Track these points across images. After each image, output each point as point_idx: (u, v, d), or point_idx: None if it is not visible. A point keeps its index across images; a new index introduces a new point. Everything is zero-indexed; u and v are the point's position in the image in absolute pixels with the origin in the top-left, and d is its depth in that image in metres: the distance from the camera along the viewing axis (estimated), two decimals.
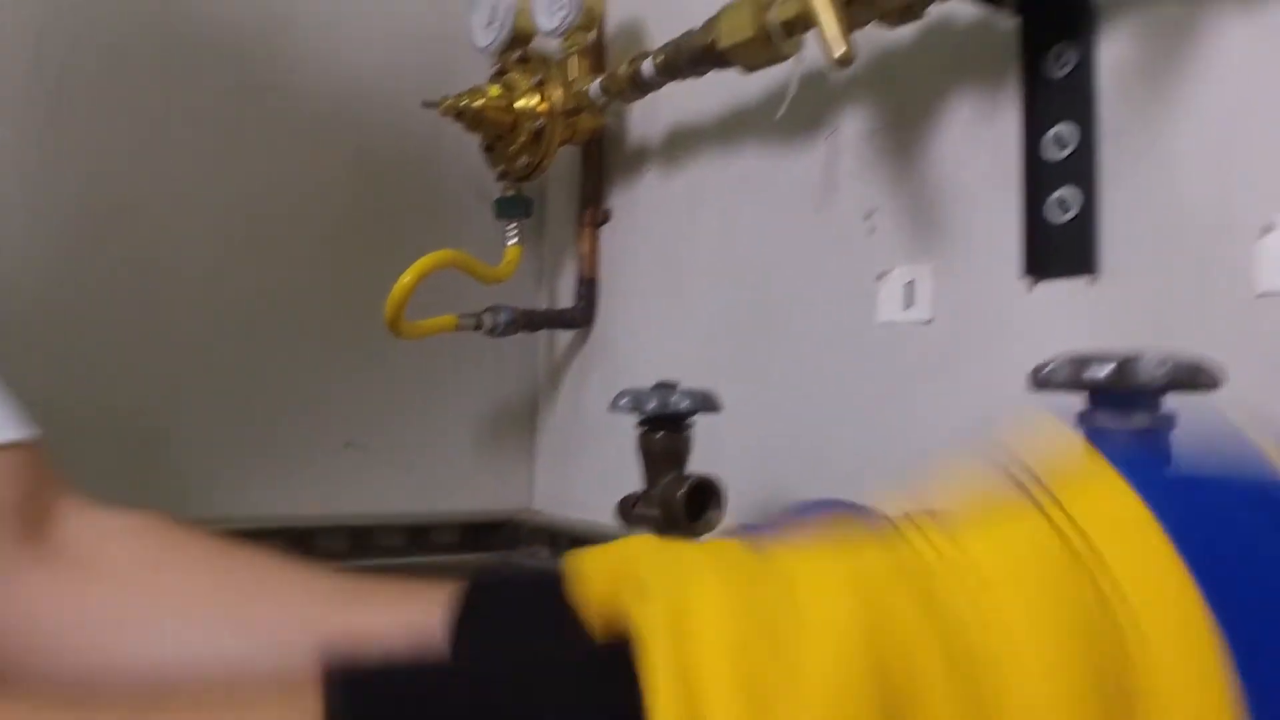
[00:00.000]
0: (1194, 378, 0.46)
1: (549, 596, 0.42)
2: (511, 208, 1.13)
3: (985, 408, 0.77)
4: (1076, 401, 0.49)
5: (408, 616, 0.43)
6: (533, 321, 1.15)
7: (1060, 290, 0.75)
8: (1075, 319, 0.74)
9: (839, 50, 0.67)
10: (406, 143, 1.18)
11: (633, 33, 1.14)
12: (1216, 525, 0.29)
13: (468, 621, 0.43)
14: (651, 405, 0.75)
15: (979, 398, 0.78)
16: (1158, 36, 0.71)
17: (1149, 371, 0.45)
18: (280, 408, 1.11)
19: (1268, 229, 0.64)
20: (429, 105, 1.09)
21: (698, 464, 0.81)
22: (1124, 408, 0.45)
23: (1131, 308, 0.71)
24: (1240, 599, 0.28)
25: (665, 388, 0.77)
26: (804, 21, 0.79)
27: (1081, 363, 0.46)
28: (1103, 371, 0.45)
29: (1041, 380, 0.48)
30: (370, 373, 1.15)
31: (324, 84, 1.13)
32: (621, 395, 0.77)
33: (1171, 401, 0.47)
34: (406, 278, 0.98)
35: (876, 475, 0.85)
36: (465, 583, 0.45)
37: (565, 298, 1.21)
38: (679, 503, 0.74)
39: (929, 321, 0.83)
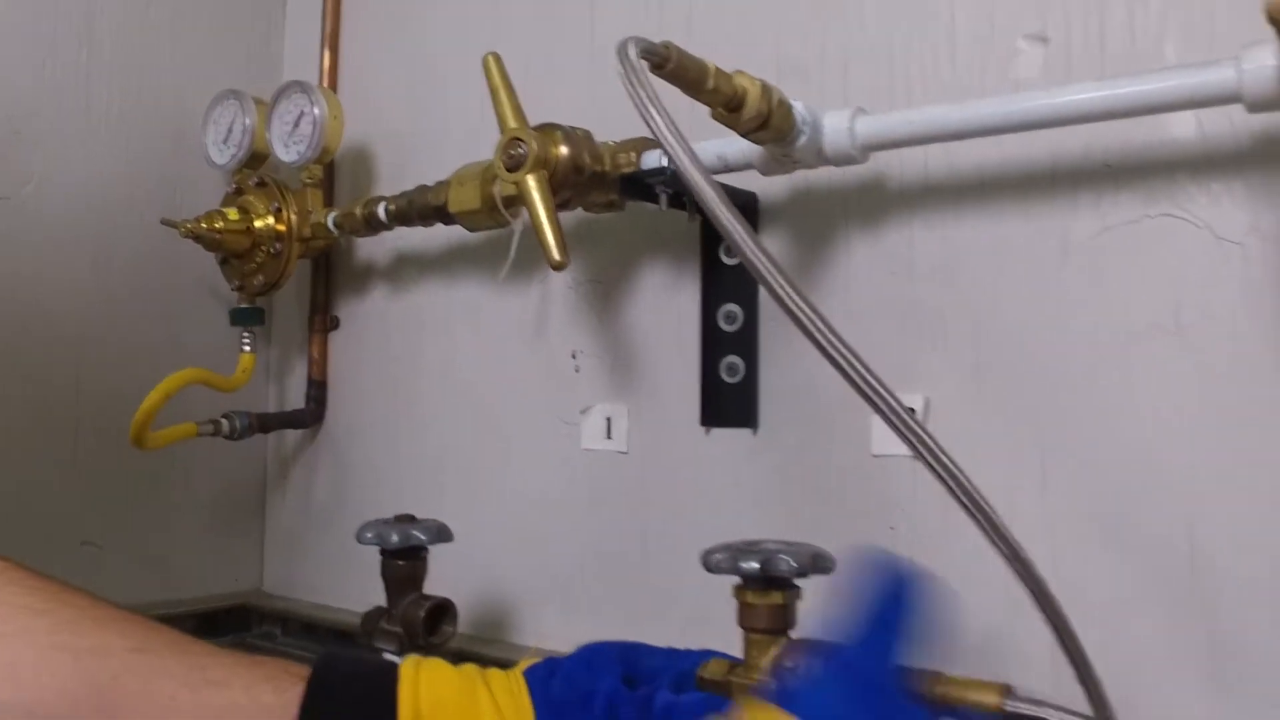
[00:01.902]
0: (817, 564, 0.63)
1: (383, 695, 0.56)
2: (246, 317, 1.22)
3: (667, 527, 0.95)
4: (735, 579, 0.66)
5: (261, 699, 0.55)
6: (267, 424, 1.24)
7: (730, 437, 0.93)
8: (741, 461, 0.92)
9: (554, 259, 0.82)
10: (143, 249, 1.23)
11: (362, 155, 1.25)
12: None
13: (312, 712, 0.56)
14: (394, 539, 0.87)
15: (667, 522, 0.95)
16: (803, 239, 0.90)
17: (785, 564, 0.62)
18: (16, 507, 1.14)
19: None
20: (168, 224, 1.16)
21: (430, 576, 0.93)
22: (766, 589, 0.63)
23: (783, 456, 0.90)
24: None
25: (405, 521, 0.89)
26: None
27: (736, 555, 0.62)
28: (750, 564, 0.62)
29: (709, 564, 0.64)
30: (105, 471, 1.20)
31: (59, 194, 1.18)
32: (365, 529, 0.88)
33: (803, 583, 0.64)
34: (150, 401, 1.06)
35: (588, 585, 1.01)
36: (311, 671, 0.58)
37: (294, 397, 1.30)
38: (419, 622, 0.86)
39: (625, 453, 0.99)
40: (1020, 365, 0.79)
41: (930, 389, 0.82)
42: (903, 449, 0.82)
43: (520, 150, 0.85)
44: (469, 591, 1.03)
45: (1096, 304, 0.76)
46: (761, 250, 0.58)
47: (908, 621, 0.55)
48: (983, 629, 0.79)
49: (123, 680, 0.58)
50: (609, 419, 1.00)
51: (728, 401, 0.92)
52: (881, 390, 0.58)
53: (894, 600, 0.55)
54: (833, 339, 0.58)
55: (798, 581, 0.64)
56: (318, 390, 1.27)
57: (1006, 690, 0.58)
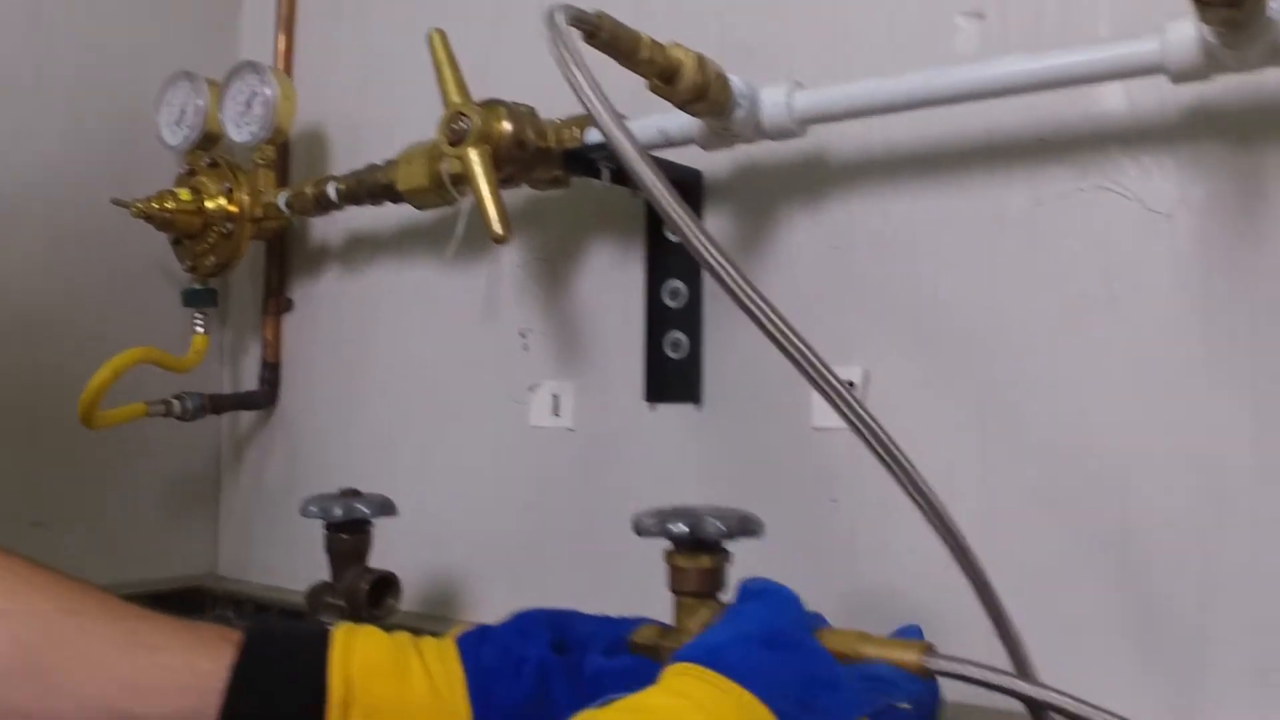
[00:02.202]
0: (745, 527, 0.64)
1: (315, 660, 0.58)
2: (199, 298, 1.21)
3: (612, 503, 0.95)
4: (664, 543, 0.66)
5: (193, 663, 0.57)
6: (219, 405, 1.23)
7: (674, 413, 0.94)
8: (686, 436, 0.93)
9: (496, 232, 0.82)
10: (96, 230, 1.22)
11: (316, 138, 1.25)
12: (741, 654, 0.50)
13: (243, 676, 0.58)
14: (338, 513, 0.87)
15: (611, 497, 0.96)
16: (747, 215, 0.91)
17: (712, 527, 0.62)
18: None
19: None
20: (119, 204, 1.16)
21: (379, 549, 0.93)
22: (695, 552, 0.63)
23: (726, 430, 0.91)
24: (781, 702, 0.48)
25: (349, 495, 0.89)
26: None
27: (664, 518, 0.63)
28: (678, 526, 0.62)
29: (638, 528, 0.64)
30: (56, 452, 1.19)
31: (9, 175, 1.17)
32: (310, 503, 0.88)
33: (732, 545, 0.65)
34: (99, 379, 1.05)
35: (534, 561, 1.01)
36: (244, 636, 0.59)
37: (249, 379, 1.30)
38: (362, 595, 0.87)
39: (572, 430, 1.00)
40: (957, 337, 0.80)
41: (870, 361, 0.83)
42: (842, 422, 0.84)
43: (463, 125, 0.85)
44: (417, 568, 1.03)
45: (1031, 276, 0.77)
46: (692, 220, 0.58)
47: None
48: (923, 600, 0.80)
49: (53, 642, 0.59)
50: (556, 396, 1.01)
51: (672, 377, 0.93)
52: (818, 365, 0.58)
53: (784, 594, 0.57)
54: (769, 313, 0.58)
55: (727, 546, 0.65)
56: (271, 372, 1.27)
57: (927, 649, 0.58)
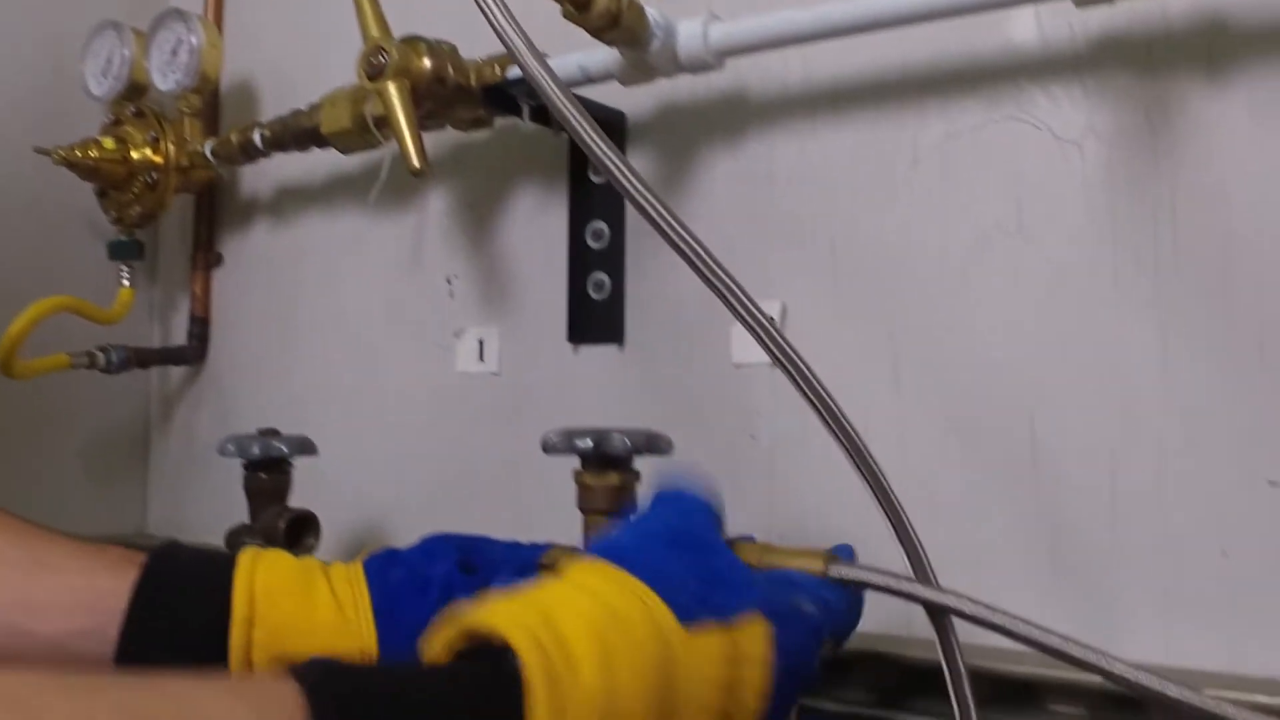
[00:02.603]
0: (652, 445, 0.64)
1: (219, 581, 0.57)
2: (125, 250, 1.20)
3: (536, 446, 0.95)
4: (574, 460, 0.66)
5: (95, 583, 0.56)
6: (145, 359, 1.22)
7: (598, 354, 0.93)
8: (609, 377, 0.93)
9: (414, 166, 0.82)
10: (18, 182, 1.21)
11: (246, 90, 1.24)
12: (642, 550, 0.51)
13: (146, 594, 0.57)
14: (255, 451, 0.87)
15: (534, 438, 0.95)
16: (668, 156, 0.91)
17: (619, 442, 0.63)
18: None
19: None
20: (41, 152, 1.14)
21: (301, 496, 0.93)
22: (602, 469, 0.63)
23: (649, 370, 0.91)
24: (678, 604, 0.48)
25: (268, 434, 0.89)
26: None
27: (570, 435, 0.63)
28: (585, 444, 0.62)
29: (546, 445, 0.64)
30: None
31: None
32: (227, 441, 0.88)
33: (639, 462, 0.65)
34: (18, 325, 1.04)
35: (454, 502, 1.01)
36: (146, 558, 0.59)
37: (179, 336, 1.28)
38: (280, 533, 0.86)
39: (497, 374, 1.00)
40: (873, 270, 0.80)
41: (788, 295, 0.83)
42: (762, 358, 0.84)
43: (381, 59, 0.85)
44: (342, 516, 1.02)
45: (944, 208, 0.78)
46: (615, 153, 0.58)
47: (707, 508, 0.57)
48: (842, 533, 0.80)
49: None
50: (481, 341, 1.00)
51: (595, 318, 0.93)
52: (743, 299, 0.58)
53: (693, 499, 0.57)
54: (695, 248, 0.58)
55: (635, 465, 0.65)
56: (200, 327, 1.25)
57: (831, 558, 0.59)
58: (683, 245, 0.58)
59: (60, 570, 0.61)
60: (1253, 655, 0.67)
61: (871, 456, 0.56)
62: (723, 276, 0.58)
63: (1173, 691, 0.51)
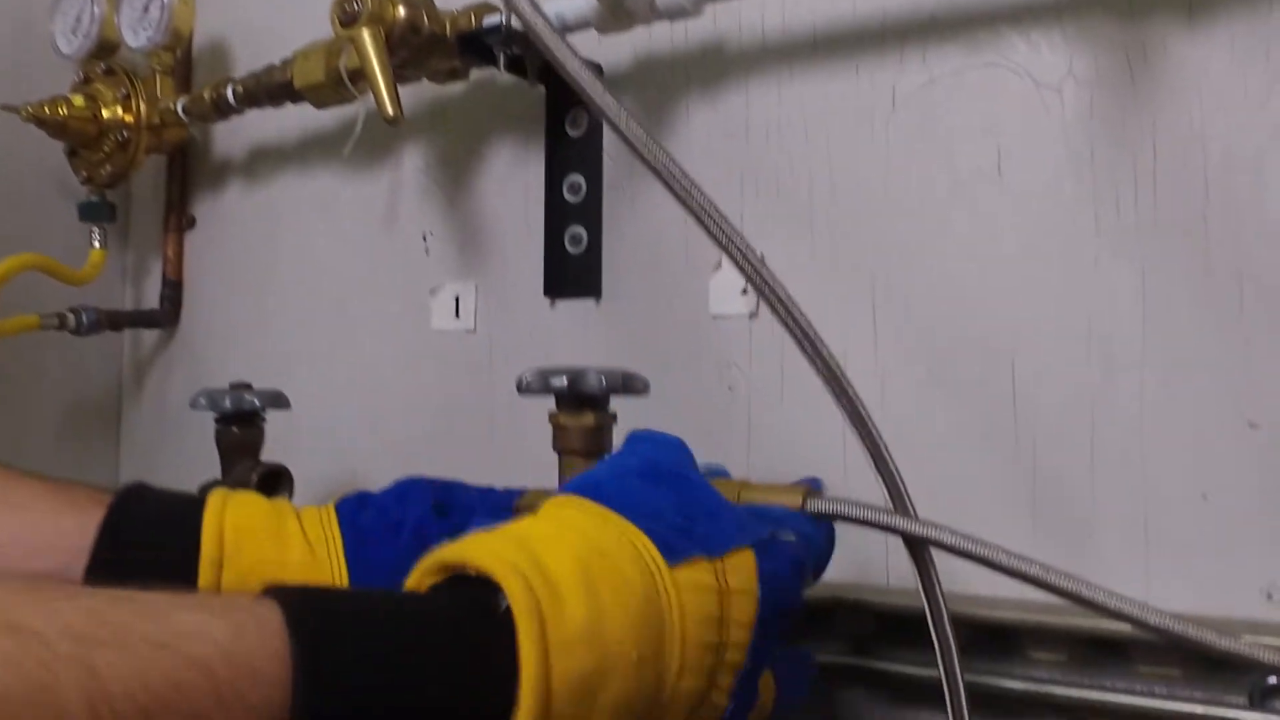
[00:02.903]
0: (628, 384, 0.63)
1: (187, 521, 0.57)
2: (95, 212, 1.18)
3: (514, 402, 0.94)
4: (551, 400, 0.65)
5: (60, 522, 0.56)
6: (117, 322, 1.20)
7: (575, 308, 0.93)
8: (586, 331, 0.92)
9: (388, 113, 0.80)
10: None
11: (220, 49, 1.23)
12: (620, 485, 0.50)
13: (112, 534, 0.56)
14: (226, 404, 0.85)
15: (513, 396, 0.94)
16: (646, 108, 0.90)
17: (594, 380, 0.62)
18: None
19: (717, 267, 0.85)
20: (8, 109, 1.12)
21: (276, 455, 0.92)
22: (578, 408, 0.62)
23: (626, 323, 0.90)
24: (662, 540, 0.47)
25: (240, 388, 0.88)
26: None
27: (546, 375, 0.62)
28: (560, 382, 0.61)
29: (520, 386, 0.64)
30: None
31: None
32: (199, 395, 0.87)
33: (616, 402, 0.64)
34: None
35: (431, 459, 1.00)
36: (113, 498, 0.58)
37: (150, 298, 1.27)
38: (252, 487, 0.85)
39: (473, 330, 0.99)
40: (852, 218, 0.80)
41: (766, 245, 0.82)
42: (740, 309, 0.84)
43: (355, 6, 0.83)
44: (318, 472, 1.01)
45: (923, 155, 0.77)
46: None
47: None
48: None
49: None
50: (457, 298, 0.99)
51: (572, 272, 0.92)
52: (736, 240, 0.57)
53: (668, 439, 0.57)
54: (686, 184, 0.57)
55: (611, 406, 0.64)
56: (173, 290, 1.24)
57: (809, 492, 0.58)
58: (676, 185, 0.57)
59: (23, 508, 0.60)
60: (1232, 597, 0.66)
61: (850, 384, 0.55)
62: (711, 211, 0.57)
63: (1154, 619, 0.51)
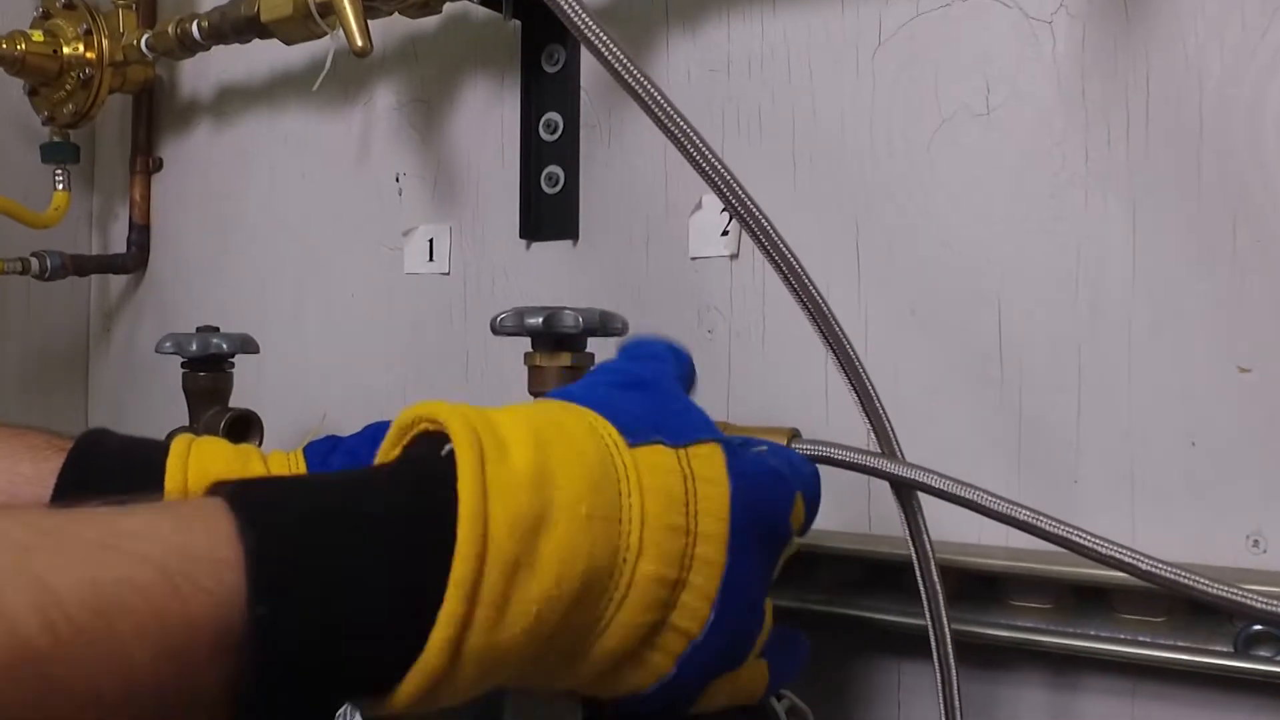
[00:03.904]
0: (606, 324, 0.61)
1: (149, 467, 0.55)
2: (58, 153, 1.15)
3: (489, 345, 0.92)
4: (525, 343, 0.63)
5: (17, 468, 0.54)
6: (83, 267, 1.18)
7: (551, 250, 0.90)
8: (562, 274, 0.90)
9: (357, 44, 0.78)
10: None
11: None
12: (589, 389, 0.48)
13: (70, 481, 0.54)
14: (193, 348, 0.83)
15: (485, 337, 0.92)
16: (626, 43, 0.86)
17: (570, 319, 0.60)
18: None
19: (697, 207, 0.82)
20: None
21: (245, 400, 0.90)
22: (554, 349, 0.60)
23: (603, 266, 0.88)
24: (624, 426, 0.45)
25: (207, 331, 0.85)
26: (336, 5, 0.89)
27: (521, 314, 0.60)
28: (535, 321, 0.59)
29: (496, 327, 0.62)
30: None
31: None
32: (165, 339, 0.84)
33: (592, 344, 0.62)
34: None
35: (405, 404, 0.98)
36: (73, 444, 0.56)
37: (117, 243, 1.24)
38: (220, 434, 0.83)
39: (447, 274, 0.96)
40: (836, 157, 0.78)
41: (747, 183, 0.80)
42: (720, 249, 0.82)
43: None
44: (289, 419, 0.99)
45: (909, 91, 0.75)
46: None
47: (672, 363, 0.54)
48: (800, 428, 0.78)
49: None
50: (431, 241, 0.97)
51: (548, 213, 0.90)
52: (724, 171, 0.55)
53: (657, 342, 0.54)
54: (676, 118, 0.55)
55: (589, 347, 0.62)
56: (140, 234, 1.21)
57: (794, 434, 0.57)
58: (660, 112, 0.55)
59: None
60: (1218, 545, 0.65)
61: (839, 324, 0.53)
62: (703, 148, 0.55)
63: (1144, 564, 0.49)
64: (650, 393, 0.48)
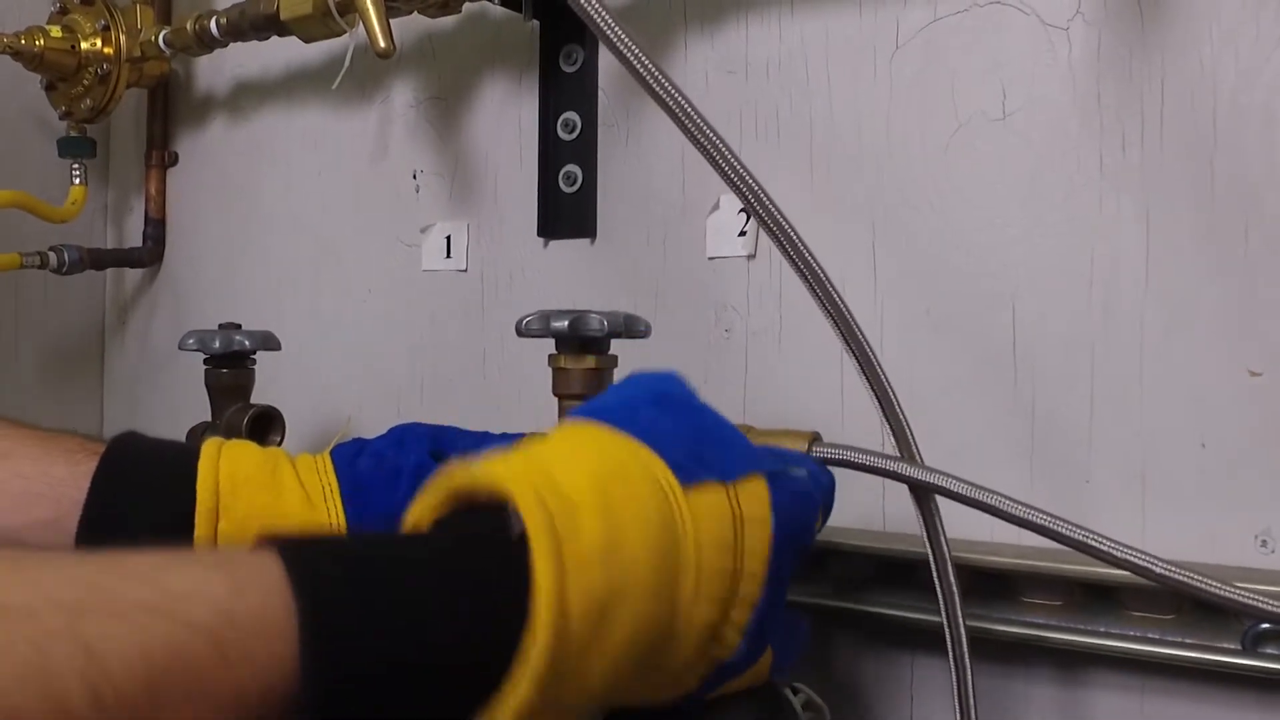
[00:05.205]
0: (630, 326, 0.62)
1: (182, 471, 0.55)
2: (75, 147, 1.16)
3: (506, 342, 0.93)
4: (550, 344, 0.64)
5: (50, 471, 0.54)
6: (99, 260, 1.18)
7: (568, 249, 0.91)
8: (579, 273, 0.91)
9: (380, 45, 0.78)
10: None
11: None
12: (629, 410, 0.49)
13: (105, 484, 0.55)
14: (216, 345, 0.84)
15: (506, 338, 0.94)
16: (644, 45, 0.87)
17: (595, 323, 0.61)
18: None
19: (715, 208, 0.83)
20: None
21: (264, 397, 0.91)
22: (579, 351, 0.61)
23: (621, 265, 0.89)
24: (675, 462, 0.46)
25: (229, 328, 0.86)
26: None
27: (547, 317, 0.61)
28: (561, 324, 0.60)
29: (522, 330, 0.63)
30: None
31: None
32: (188, 336, 0.85)
33: (615, 346, 0.63)
34: None
35: (422, 401, 0.99)
36: (105, 447, 0.57)
37: (133, 237, 1.25)
38: (243, 430, 0.84)
39: (464, 271, 0.97)
40: (853, 159, 0.79)
41: (765, 185, 0.81)
42: (737, 249, 0.83)
43: None
44: (309, 414, 1.00)
45: (926, 95, 0.76)
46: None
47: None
48: (818, 427, 0.79)
49: None
50: (448, 238, 0.98)
51: (566, 211, 0.91)
52: (744, 172, 0.56)
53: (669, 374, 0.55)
54: (696, 118, 0.56)
55: (612, 349, 0.63)
56: (155, 228, 1.22)
57: (815, 438, 0.58)
58: (676, 109, 0.55)
59: (9, 457, 0.59)
60: (1226, 545, 0.66)
61: (859, 326, 0.55)
62: (723, 148, 0.56)
63: (1158, 568, 0.51)
64: (688, 414, 0.50)
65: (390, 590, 0.37)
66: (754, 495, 0.47)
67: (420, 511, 0.43)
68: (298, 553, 0.36)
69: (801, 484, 0.51)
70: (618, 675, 0.41)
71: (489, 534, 0.40)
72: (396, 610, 0.36)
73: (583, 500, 0.41)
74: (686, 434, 0.48)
